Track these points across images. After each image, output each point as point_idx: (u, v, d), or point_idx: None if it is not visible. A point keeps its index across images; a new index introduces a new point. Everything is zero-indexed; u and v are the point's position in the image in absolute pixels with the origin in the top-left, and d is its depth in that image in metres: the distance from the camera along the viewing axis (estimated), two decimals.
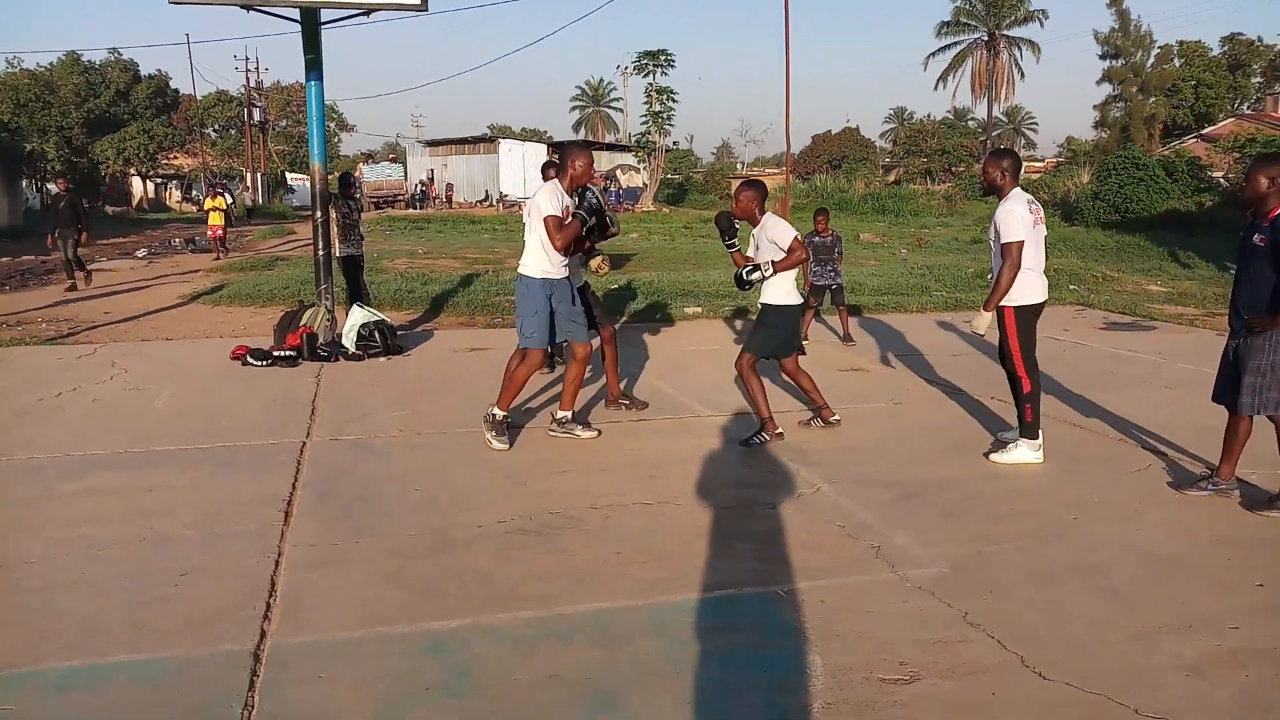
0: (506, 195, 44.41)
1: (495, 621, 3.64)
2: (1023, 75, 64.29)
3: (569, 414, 6.19)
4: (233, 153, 60.31)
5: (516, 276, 6.13)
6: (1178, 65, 55.16)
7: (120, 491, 5.14)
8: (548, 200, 5.88)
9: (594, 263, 15.45)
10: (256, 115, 54.19)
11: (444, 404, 7.26)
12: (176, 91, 55.74)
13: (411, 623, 3.61)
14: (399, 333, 9.94)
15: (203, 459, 5.76)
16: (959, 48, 59.16)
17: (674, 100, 40.43)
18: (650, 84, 40.36)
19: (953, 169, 56.02)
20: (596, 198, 6.06)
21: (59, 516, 4.75)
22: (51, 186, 41.26)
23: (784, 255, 5.95)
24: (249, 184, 52.10)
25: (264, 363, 8.63)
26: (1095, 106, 56.04)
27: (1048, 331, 10.67)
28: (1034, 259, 5.63)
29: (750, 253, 6.20)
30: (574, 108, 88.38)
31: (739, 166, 67.83)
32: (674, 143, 49.76)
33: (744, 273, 6.09)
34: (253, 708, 3.02)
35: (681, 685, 3.19)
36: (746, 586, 3.97)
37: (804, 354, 6.55)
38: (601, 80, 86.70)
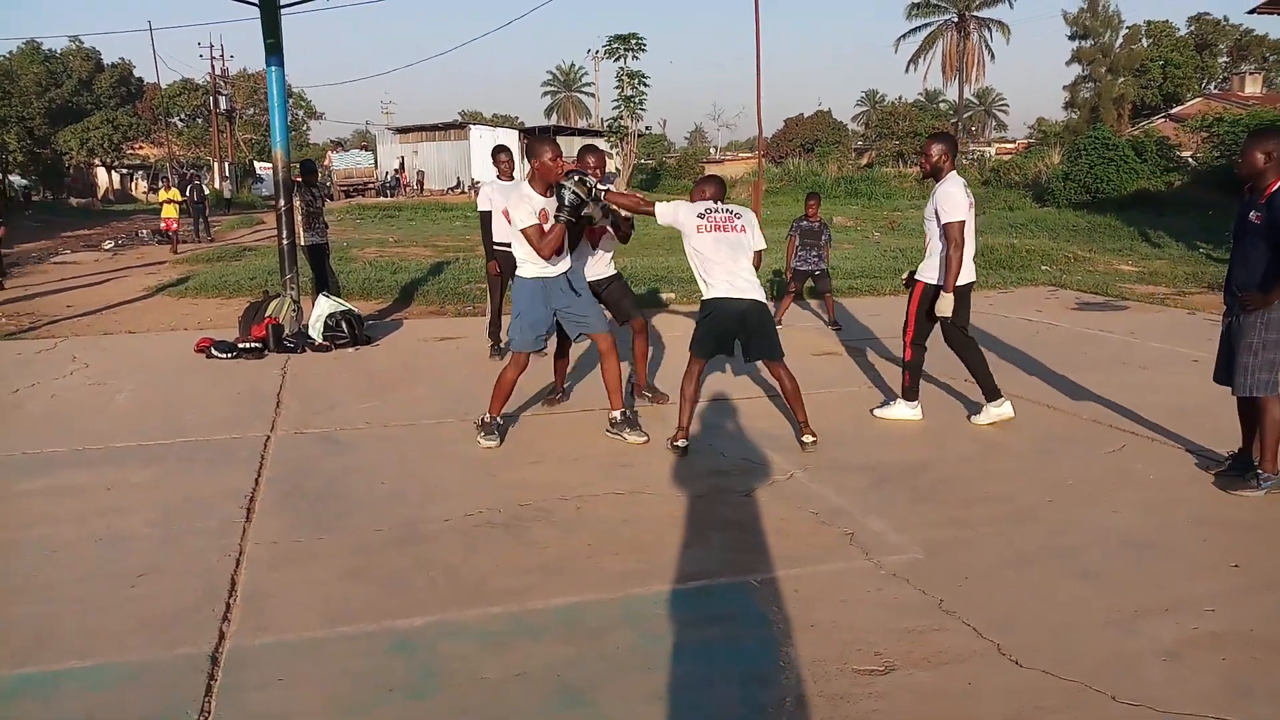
0: (479, 182, 43.98)
1: (463, 617, 3.55)
2: (993, 57, 64.79)
3: (619, 413, 5.91)
4: (199, 142, 59.47)
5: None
6: (1146, 45, 55.64)
7: (78, 490, 4.99)
8: (521, 211, 5.49)
9: None
10: (223, 104, 53.47)
11: (412, 395, 7.14)
12: (140, 80, 54.89)
13: (376, 621, 3.52)
14: (367, 322, 9.79)
15: (164, 455, 5.61)
16: (929, 29, 59.27)
17: (646, 84, 40.09)
18: (622, 68, 40.00)
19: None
20: (577, 193, 5.48)
21: (13, 518, 4.61)
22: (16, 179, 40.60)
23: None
24: (225, 173, 51.19)
25: (229, 355, 8.47)
26: (1065, 87, 56.58)
27: (1020, 313, 10.70)
28: (968, 242, 5.81)
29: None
30: (545, 93, 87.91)
31: (712, 151, 67.56)
32: (646, 127, 49.45)
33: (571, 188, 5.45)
34: (209, 713, 2.92)
35: (654, 679, 3.12)
36: (720, 576, 3.91)
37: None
38: (573, 65, 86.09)
